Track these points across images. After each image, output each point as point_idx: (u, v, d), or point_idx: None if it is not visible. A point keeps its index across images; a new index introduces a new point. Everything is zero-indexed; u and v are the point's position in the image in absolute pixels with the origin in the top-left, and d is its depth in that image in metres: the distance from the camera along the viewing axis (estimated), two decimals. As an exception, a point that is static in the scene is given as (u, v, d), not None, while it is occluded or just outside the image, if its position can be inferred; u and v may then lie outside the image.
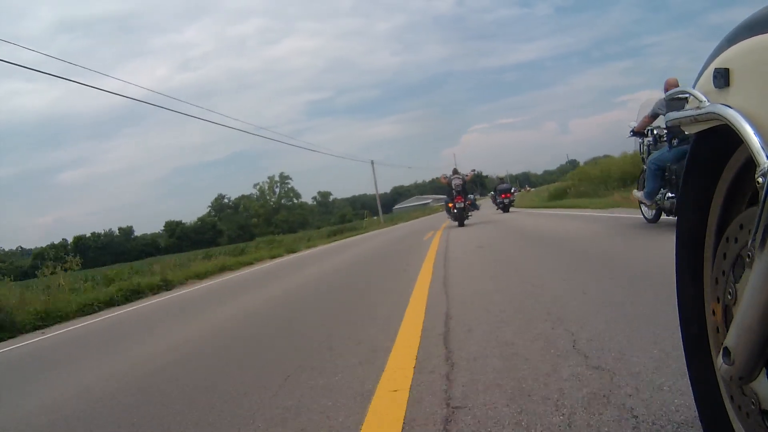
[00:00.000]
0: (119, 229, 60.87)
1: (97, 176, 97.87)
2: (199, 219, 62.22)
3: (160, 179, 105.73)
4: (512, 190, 16.81)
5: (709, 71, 0.60)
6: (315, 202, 79.81)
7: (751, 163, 0.53)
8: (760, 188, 0.48)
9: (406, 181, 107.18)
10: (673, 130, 3.99)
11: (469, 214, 10.59)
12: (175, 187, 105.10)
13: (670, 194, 4.15)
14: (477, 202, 11.13)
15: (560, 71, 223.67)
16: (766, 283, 0.48)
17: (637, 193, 4.73)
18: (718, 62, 0.59)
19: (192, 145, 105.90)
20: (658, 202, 4.34)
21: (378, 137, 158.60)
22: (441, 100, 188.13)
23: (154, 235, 63.01)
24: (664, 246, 3.14)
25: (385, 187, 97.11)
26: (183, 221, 62.17)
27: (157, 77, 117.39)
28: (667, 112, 3.28)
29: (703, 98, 0.60)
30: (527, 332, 1.68)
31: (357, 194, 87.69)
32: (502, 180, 18.27)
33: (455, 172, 10.77)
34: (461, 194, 10.01)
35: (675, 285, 0.76)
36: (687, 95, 0.66)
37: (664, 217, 4.42)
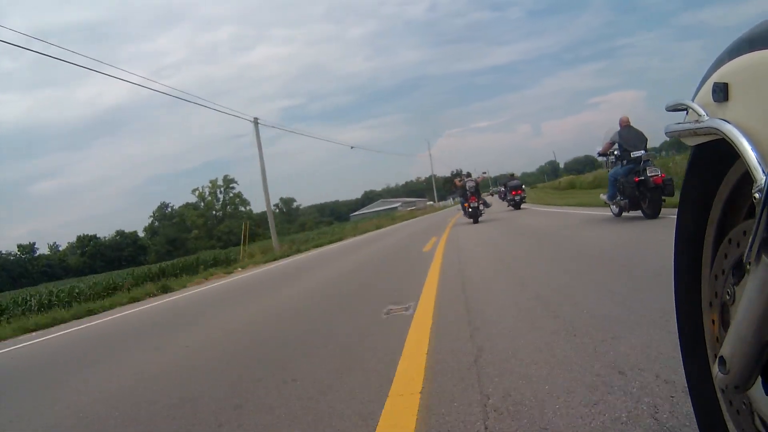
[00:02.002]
0: (19, 246, 56.27)
1: (71, 186, 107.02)
2: (118, 233, 58.81)
3: (133, 188, 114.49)
4: (522, 187, 17.20)
5: (708, 84, 0.67)
6: (277, 210, 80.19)
7: (748, 176, 0.59)
8: (756, 204, 0.54)
9: (378, 186, 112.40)
10: (624, 155, 6.56)
11: (482, 211, 12.88)
12: (147, 195, 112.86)
13: (622, 198, 6.61)
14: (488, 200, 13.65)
15: (533, 74, 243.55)
16: (760, 295, 0.54)
17: (603, 197, 7.35)
18: (717, 76, 0.66)
19: (166, 154, 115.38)
20: (617, 202, 6.79)
21: (352, 142, 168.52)
22: (415, 105, 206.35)
23: (62, 254, 58.76)
24: (620, 232, 5.30)
25: (356, 193, 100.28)
26: (97, 235, 58.58)
27: (130, 85, 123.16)
28: (618, 141, 5.14)
29: (702, 112, 0.67)
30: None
31: (329, 200, 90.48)
32: (512, 176, 18.26)
33: (468, 175, 13.52)
34: (475, 195, 12.45)
35: (674, 292, 0.83)
36: (686, 107, 0.75)
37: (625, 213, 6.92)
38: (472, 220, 12.58)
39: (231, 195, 60.68)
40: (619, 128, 6.76)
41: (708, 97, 0.67)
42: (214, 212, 58.90)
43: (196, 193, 59.60)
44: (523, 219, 10.70)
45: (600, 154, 7.36)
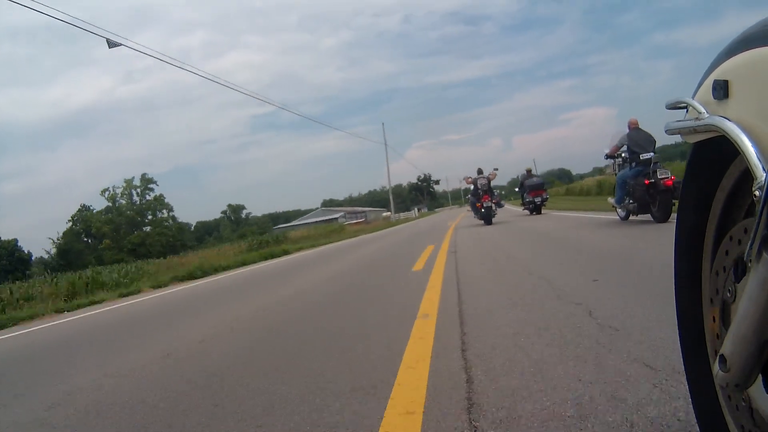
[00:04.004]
0: None
1: (37, 188, 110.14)
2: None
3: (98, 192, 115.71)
4: (544, 186, 16.30)
5: (709, 82, 0.78)
6: (225, 217, 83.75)
7: (748, 174, 0.69)
8: (756, 201, 0.63)
9: (340, 194, 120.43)
10: (633, 157, 7.37)
11: (495, 212, 13.17)
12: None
13: (631, 201, 7.43)
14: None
15: (506, 89, 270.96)
16: (761, 293, 0.63)
17: (611, 200, 8.40)
18: (717, 74, 0.77)
19: (134, 158, 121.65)
20: (625, 206, 7.65)
21: (322, 152, 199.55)
22: (386, 116, 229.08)
23: None
24: (628, 235, 6.14)
25: (314, 202, 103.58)
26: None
27: (100, 88, 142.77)
28: (627, 144, 6.03)
29: (702, 110, 0.78)
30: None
31: (291, 209, 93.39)
32: (529, 173, 16.99)
33: (479, 172, 14.00)
34: (488, 193, 12.85)
35: (674, 291, 0.96)
36: (686, 105, 0.86)
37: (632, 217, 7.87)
38: (483, 221, 13.00)
39: (149, 199, 57.85)
40: (627, 130, 7.60)
41: (708, 94, 0.79)
42: (137, 218, 55.70)
43: (107, 194, 56.29)
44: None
45: (607, 156, 8.34)
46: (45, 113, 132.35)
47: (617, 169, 8.17)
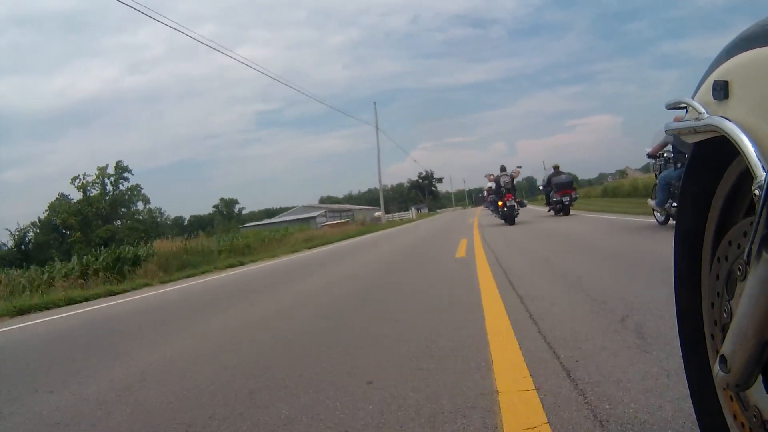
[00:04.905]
0: None
1: (37, 177, 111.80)
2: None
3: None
4: (573, 184, 15.72)
5: (709, 82, 0.84)
6: (218, 212, 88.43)
7: (747, 174, 0.73)
8: (756, 201, 0.67)
9: (340, 192, 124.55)
10: (678, 157, 7.25)
11: (518, 211, 13.32)
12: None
13: (674, 203, 7.37)
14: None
15: (511, 93, 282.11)
16: (761, 291, 0.67)
17: (651, 202, 8.22)
18: (717, 74, 0.82)
19: (136, 150, 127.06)
20: (667, 209, 7.64)
21: (326, 151, 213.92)
22: (389, 116, 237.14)
23: None
24: (659, 238, 6.25)
25: (314, 199, 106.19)
26: None
27: (106, 78, 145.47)
28: (672, 142, 5.16)
29: (702, 110, 0.84)
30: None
31: (289, 205, 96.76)
32: (556, 169, 15.98)
33: (502, 169, 14.14)
34: (511, 192, 13.00)
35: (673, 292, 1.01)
36: (686, 105, 0.89)
37: (671, 221, 7.85)
38: (504, 221, 13.08)
39: (123, 188, 57.27)
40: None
41: (708, 94, 0.84)
42: (100, 206, 54.97)
43: (77, 182, 55.50)
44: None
45: (649, 156, 8.42)
46: (48, 103, 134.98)
47: (659, 170, 8.13)
